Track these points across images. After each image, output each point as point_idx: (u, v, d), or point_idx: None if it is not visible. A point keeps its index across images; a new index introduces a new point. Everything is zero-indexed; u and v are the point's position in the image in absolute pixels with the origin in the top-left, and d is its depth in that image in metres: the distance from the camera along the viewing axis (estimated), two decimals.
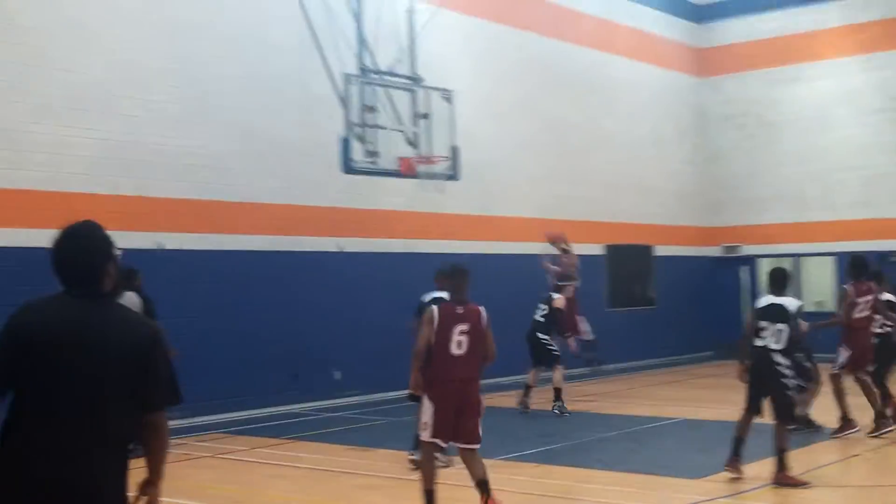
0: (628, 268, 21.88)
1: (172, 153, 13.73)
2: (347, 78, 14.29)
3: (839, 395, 11.49)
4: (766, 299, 9.47)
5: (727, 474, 9.31)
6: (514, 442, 11.77)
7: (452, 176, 15.32)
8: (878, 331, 11.77)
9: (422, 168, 14.95)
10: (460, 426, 7.62)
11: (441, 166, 15.15)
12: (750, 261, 23.79)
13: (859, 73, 22.68)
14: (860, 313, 11.37)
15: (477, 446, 7.68)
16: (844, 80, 22.84)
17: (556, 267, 15.29)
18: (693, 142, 24.27)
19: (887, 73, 22.26)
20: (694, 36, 24.46)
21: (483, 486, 7.59)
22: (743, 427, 9.31)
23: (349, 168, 14.17)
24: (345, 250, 15.79)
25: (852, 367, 11.56)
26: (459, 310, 7.63)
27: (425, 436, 7.67)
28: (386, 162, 14.62)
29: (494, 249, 18.25)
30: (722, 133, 24.43)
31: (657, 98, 23.19)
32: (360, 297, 15.72)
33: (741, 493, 8.96)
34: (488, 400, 14.73)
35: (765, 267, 23.58)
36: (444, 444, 7.82)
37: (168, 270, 12.93)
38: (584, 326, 15.43)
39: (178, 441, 12.20)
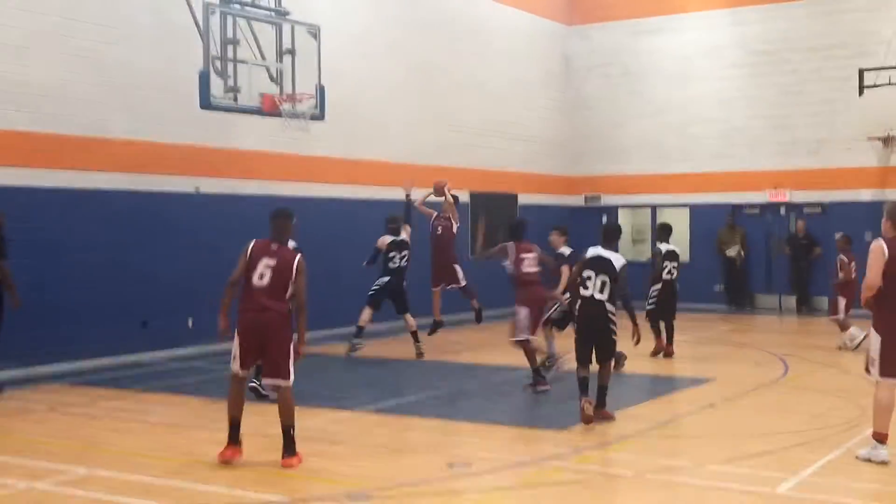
0: (493, 215, 21.67)
1: (14, 82, 12.71)
2: (208, 7, 13.47)
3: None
4: (594, 251, 9.89)
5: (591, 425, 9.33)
6: (371, 392, 11.52)
7: (317, 116, 14.73)
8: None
9: (285, 106, 14.31)
10: (265, 359, 7.95)
11: (306, 105, 14.53)
12: (610, 210, 24.04)
13: (723, 27, 23.02)
14: (529, 268, 11.80)
15: (282, 382, 7.89)
16: (708, 34, 23.16)
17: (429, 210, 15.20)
18: (559, 90, 24.24)
19: (750, 28, 22.65)
20: None
21: (286, 434, 7.85)
22: (582, 376, 9.66)
23: (208, 104, 13.40)
24: (201, 191, 15.07)
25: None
26: (273, 247, 8.00)
27: (234, 366, 7.95)
28: (247, 99, 13.91)
29: (359, 194, 17.83)
30: (587, 82, 24.48)
31: (526, 44, 23.01)
32: (217, 241, 14.99)
33: (608, 443, 8.93)
34: (343, 349, 14.54)
35: (625, 217, 24.05)
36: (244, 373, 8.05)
37: (6, 209, 11.97)
38: (459, 273, 15.25)
39: (12, 394, 11.46)
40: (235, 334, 7.95)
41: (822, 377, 13.00)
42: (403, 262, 14.54)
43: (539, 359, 11.73)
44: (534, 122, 23.19)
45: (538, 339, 11.97)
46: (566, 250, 12.96)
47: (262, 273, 7.88)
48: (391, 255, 14.47)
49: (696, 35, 23.27)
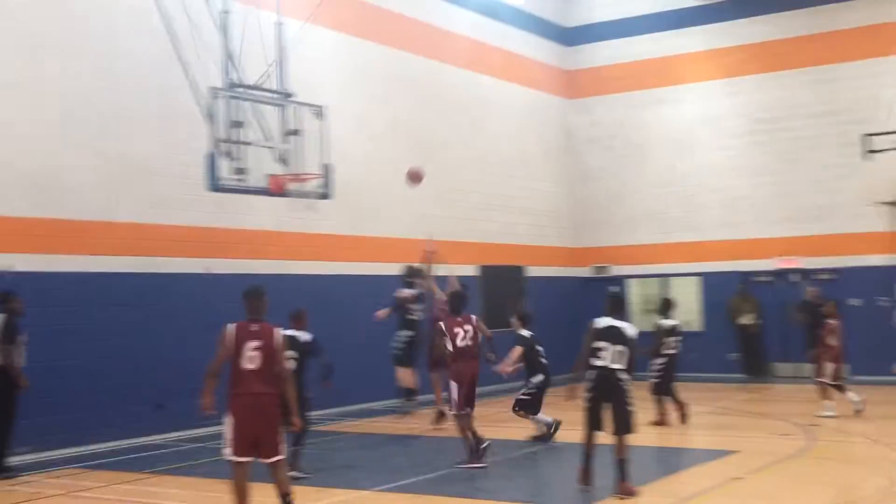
0: (501, 288, 21.72)
1: (23, 170, 12.82)
2: (213, 92, 13.63)
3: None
4: (605, 321, 9.77)
5: (613, 500, 9.15)
6: (388, 471, 11.34)
7: (324, 194, 14.81)
8: None
9: (292, 186, 14.40)
10: (264, 442, 7.94)
11: (312, 184, 14.63)
12: (619, 281, 23.98)
13: (722, 98, 23.22)
14: (462, 342, 11.59)
15: (279, 458, 8.01)
16: (707, 104, 23.36)
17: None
18: (562, 162, 24.39)
19: (748, 97, 22.84)
20: (562, 58, 24.62)
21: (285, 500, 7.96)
22: (591, 445, 9.68)
23: (216, 186, 13.48)
24: (212, 272, 15.08)
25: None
26: (254, 328, 7.97)
27: (227, 453, 7.92)
28: (254, 180, 14.00)
29: (366, 270, 17.81)
30: (590, 154, 24.63)
31: (526, 118, 23.22)
32: (228, 320, 14.93)
33: None
34: (360, 426, 14.39)
35: (634, 287, 24.00)
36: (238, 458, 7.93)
37: (19, 294, 11.97)
38: None
39: (28, 478, 11.35)
40: (230, 418, 7.93)
41: (849, 447, 12.76)
42: (422, 316, 14.44)
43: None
44: (538, 194, 23.28)
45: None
46: (525, 333, 13.07)
47: (251, 356, 7.87)
48: (411, 308, 14.31)
49: (696, 106, 23.48)
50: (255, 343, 7.88)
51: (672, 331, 14.80)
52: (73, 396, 13.00)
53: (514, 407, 12.99)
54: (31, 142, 12.97)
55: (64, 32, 13.48)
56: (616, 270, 24.20)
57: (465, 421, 11.33)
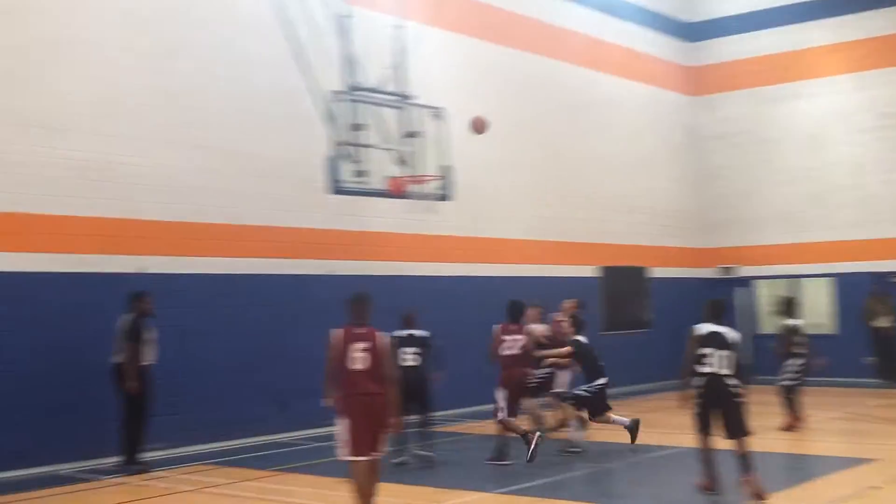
0: (623, 290, 21.40)
1: (152, 174, 13.23)
2: (334, 96, 13.82)
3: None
4: (707, 327, 9.69)
5: None
6: (509, 474, 11.26)
7: (443, 196, 14.86)
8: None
9: (412, 188, 14.48)
10: (375, 439, 8.15)
11: (431, 186, 14.69)
12: (746, 282, 23.36)
13: (852, 91, 22.38)
14: (508, 350, 11.87)
15: (377, 455, 8.20)
16: (837, 98, 22.54)
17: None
18: (686, 161, 23.89)
19: (879, 91, 21.98)
20: (686, 54, 24.12)
21: None
22: (708, 450, 9.58)
23: (337, 188, 13.68)
24: (333, 273, 15.28)
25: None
26: (359, 331, 8.23)
27: (345, 453, 8.10)
28: (375, 182, 14.14)
29: (485, 272, 17.78)
30: (716, 152, 24.06)
31: (650, 117, 22.82)
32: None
33: None
34: (474, 428, 14.32)
35: (763, 289, 23.31)
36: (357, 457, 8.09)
37: (154, 295, 12.36)
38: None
39: (160, 474, 11.71)
40: (343, 419, 8.12)
41: None
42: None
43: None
44: (661, 194, 22.86)
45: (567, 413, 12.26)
46: (581, 339, 12.52)
47: (359, 357, 8.11)
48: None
49: (825, 100, 22.68)
50: (361, 345, 8.11)
51: (796, 331, 14.35)
52: (202, 395, 13.35)
53: (568, 399, 12.53)
54: (161, 147, 13.36)
55: (193, 40, 13.86)
56: (743, 271, 23.56)
57: (508, 423, 11.63)
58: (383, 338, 8.27)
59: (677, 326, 22.05)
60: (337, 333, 8.21)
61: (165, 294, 12.77)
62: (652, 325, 21.97)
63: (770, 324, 23.19)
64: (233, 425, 13.78)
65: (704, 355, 9.48)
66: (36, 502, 10.32)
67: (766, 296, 23.14)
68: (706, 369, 9.43)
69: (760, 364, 22.75)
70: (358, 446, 8.04)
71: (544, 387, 12.89)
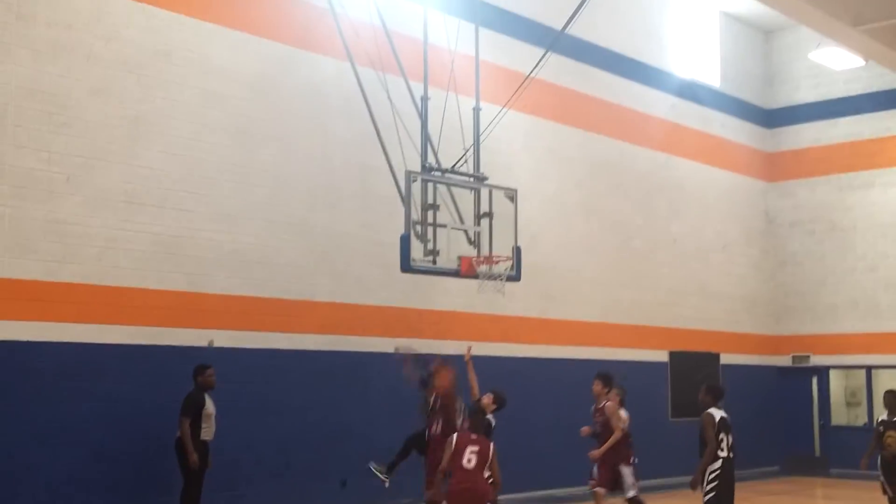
0: (693, 376, 21.05)
1: (227, 249, 13.48)
2: (410, 175, 13.99)
3: None
4: (719, 412, 10.11)
5: None
6: None
7: (513, 277, 14.84)
8: None
9: (482, 268, 14.50)
10: None
11: (502, 267, 14.69)
12: (820, 371, 22.87)
13: None
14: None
15: None
16: None
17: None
18: (761, 247, 23.62)
19: None
20: (763, 140, 24.00)
21: None
22: None
23: (408, 267, 13.76)
24: (400, 351, 15.31)
25: None
26: (473, 436, 9.81)
27: None
28: (446, 261, 14.17)
29: (554, 354, 17.67)
30: (791, 238, 23.76)
31: (724, 202, 22.67)
32: (415, 399, 15.16)
33: None
34: None
35: (835, 379, 22.78)
36: None
37: (218, 368, 12.53)
38: None
39: None
40: None
41: None
42: None
43: None
44: (735, 279, 22.60)
45: None
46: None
47: (470, 458, 9.59)
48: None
49: None
50: (473, 447, 9.66)
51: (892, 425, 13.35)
52: (270, 471, 13.38)
53: None
54: (239, 222, 13.63)
55: (274, 118, 14.18)
56: (816, 360, 23.08)
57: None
58: (490, 445, 9.75)
59: (746, 414, 21.79)
60: (454, 438, 9.84)
61: (231, 369, 12.92)
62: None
63: (846, 415, 22.73)
64: (301, 499, 13.78)
65: (721, 440, 9.83)
66: None
67: (842, 386, 22.63)
68: (723, 454, 9.77)
69: (833, 457, 22.21)
70: None
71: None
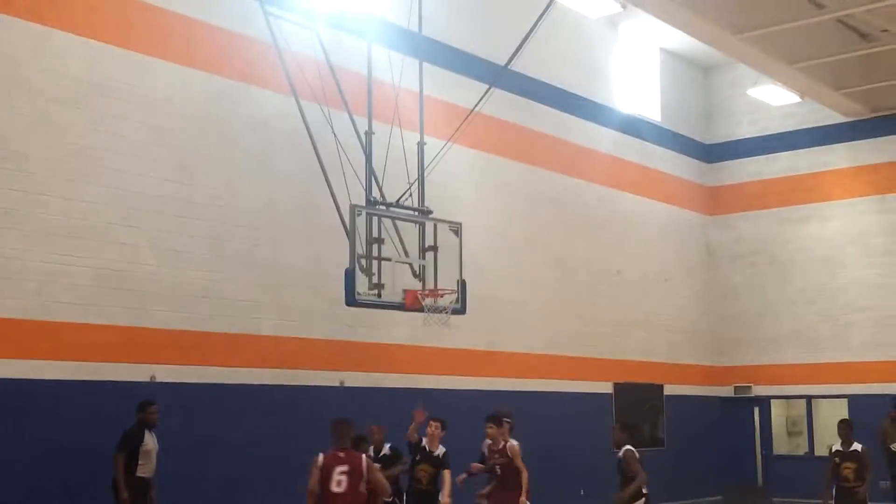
0: (637, 407, 21.28)
1: (170, 283, 13.38)
2: (354, 209, 14.04)
3: None
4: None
5: None
6: None
7: (458, 310, 14.90)
8: None
9: (427, 301, 14.56)
10: None
11: (447, 300, 14.76)
12: (762, 402, 23.20)
13: (871, 214, 22.57)
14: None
15: None
16: (855, 221, 22.70)
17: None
18: (702, 279, 23.99)
19: None
20: (703, 174, 24.44)
21: None
22: None
23: (353, 301, 13.78)
24: (346, 384, 15.30)
25: None
26: (341, 454, 8.89)
27: None
28: (391, 294, 14.21)
29: (500, 386, 17.74)
30: (732, 271, 24.17)
31: (667, 235, 23.02)
32: (361, 432, 15.14)
33: None
34: None
35: (776, 409, 23.14)
36: None
37: (161, 403, 12.40)
38: None
39: None
40: None
41: None
42: None
43: None
44: (677, 311, 22.90)
45: None
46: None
47: (339, 480, 8.72)
48: None
49: (844, 222, 22.86)
50: (341, 468, 8.77)
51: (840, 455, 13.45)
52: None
53: None
54: (182, 256, 13.56)
55: (220, 152, 14.16)
56: (758, 390, 23.42)
57: None
58: (365, 461, 8.93)
59: (690, 445, 22.04)
60: (320, 458, 8.88)
61: (174, 403, 12.80)
62: (665, 443, 21.77)
63: (787, 445, 23.05)
64: None
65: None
66: None
67: (783, 416, 22.98)
68: (645, 490, 10.37)
69: (775, 485, 22.51)
70: None
71: None
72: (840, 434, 13.69)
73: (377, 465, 11.08)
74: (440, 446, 12.08)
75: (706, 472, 22.55)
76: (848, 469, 13.21)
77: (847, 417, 14.39)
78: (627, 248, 21.63)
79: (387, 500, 11.87)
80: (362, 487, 8.83)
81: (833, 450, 13.72)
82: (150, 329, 13.11)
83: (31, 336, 11.88)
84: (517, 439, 13.15)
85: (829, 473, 13.49)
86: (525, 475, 12.16)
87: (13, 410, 11.63)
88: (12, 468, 11.51)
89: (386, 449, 12.27)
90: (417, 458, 12.15)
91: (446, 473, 12.04)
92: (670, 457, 21.46)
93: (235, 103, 14.51)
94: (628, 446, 10.11)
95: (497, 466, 12.32)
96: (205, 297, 13.75)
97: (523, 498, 12.08)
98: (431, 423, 12.09)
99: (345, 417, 9.24)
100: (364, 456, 9.06)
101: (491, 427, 12.43)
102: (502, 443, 12.33)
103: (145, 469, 11.87)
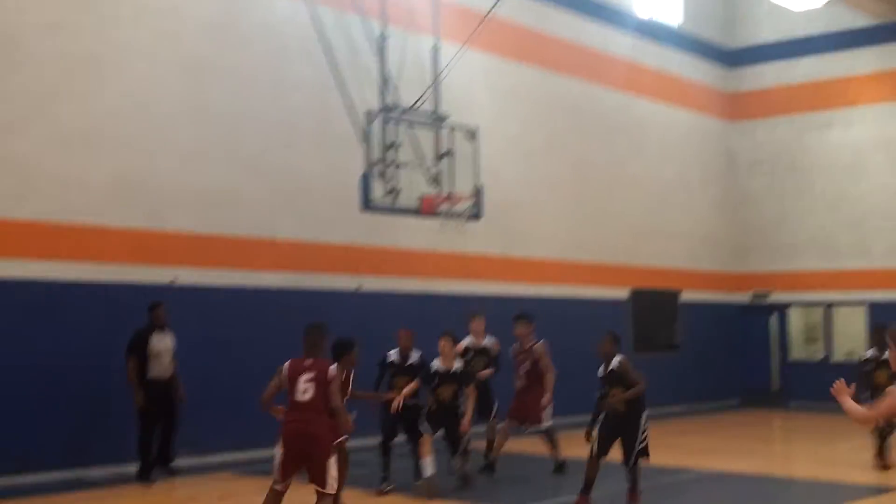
0: (653, 313, 21.42)
1: (187, 188, 13.53)
2: (369, 115, 14.08)
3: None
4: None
5: None
6: (529, 490, 11.45)
7: (474, 215, 15.04)
8: None
9: (443, 207, 14.68)
10: (310, 469, 8.09)
11: (463, 205, 14.87)
12: (780, 308, 23.29)
13: (893, 120, 22.25)
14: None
15: (325, 490, 8.00)
16: (880, 127, 22.40)
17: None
18: (721, 186, 23.88)
19: None
20: (724, 80, 24.14)
21: None
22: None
23: (369, 206, 13.92)
24: (363, 289, 15.50)
25: None
26: (307, 362, 8.17)
27: (274, 476, 8.12)
28: (407, 200, 14.36)
29: (516, 292, 17.89)
30: (751, 178, 24.01)
31: (685, 141, 22.87)
32: (378, 336, 15.33)
33: None
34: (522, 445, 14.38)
35: (795, 315, 23.24)
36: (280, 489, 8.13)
37: (180, 306, 12.66)
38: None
39: (186, 481, 11.94)
40: (278, 445, 8.20)
41: None
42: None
43: None
44: (696, 218, 22.87)
45: None
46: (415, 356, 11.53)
47: (305, 388, 8.06)
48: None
49: (867, 128, 22.54)
50: (307, 375, 8.10)
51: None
52: (232, 406, 13.55)
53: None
54: (198, 161, 13.67)
55: (231, 58, 14.15)
56: (776, 297, 23.48)
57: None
58: (332, 370, 8.14)
59: (706, 350, 22.22)
60: (285, 365, 8.27)
61: (193, 306, 13.04)
62: (680, 348, 21.96)
63: (805, 351, 23.20)
64: (260, 435, 13.95)
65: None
66: None
67: (802, 322, 23.10)
68: None
69: (791, 390, 22.74)
70: (284, 472, 8.10)
71: None
72: (874, 341, 13.47)
73: (409, 380, 11.09)
74: (456, 361, 11.34)
75: (722, 378, 22.77)
76: (881, 376, 12.71)
77: (885, 323, 14.06)
78: (645, 153, 21.52)
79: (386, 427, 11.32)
80: (335, 399, 8.07)
81: (865, 357, 13.45)
82: (168, 233, 13.31)
83: (52, 238, 12.11)
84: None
85: (861, 381, 13.05)
86: (550, 375, 12.40)
87: (38, 311, 11.92)
88: (37, 368, 11.83)
89: (414, 357, 11.41)
90: (436, 382, 11.23)
91: (469, 391, 11.33)
92: (686, 363, 21.67)
93: (247, 8, 14.45)
94: (620, 356, 10.00)
95: (523, 364, 12.51)
96: (221, 201, 13.89)
97: (549, 395, 12.38)
98: (440, 340, 11.19)
99: (319, 322, 8.56)
100: (333, 365, 8.21)
101: (521, 326, 12.59)
102: (530, 342, 12.53)
103: (157, 370, 12.08)
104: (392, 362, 11.46)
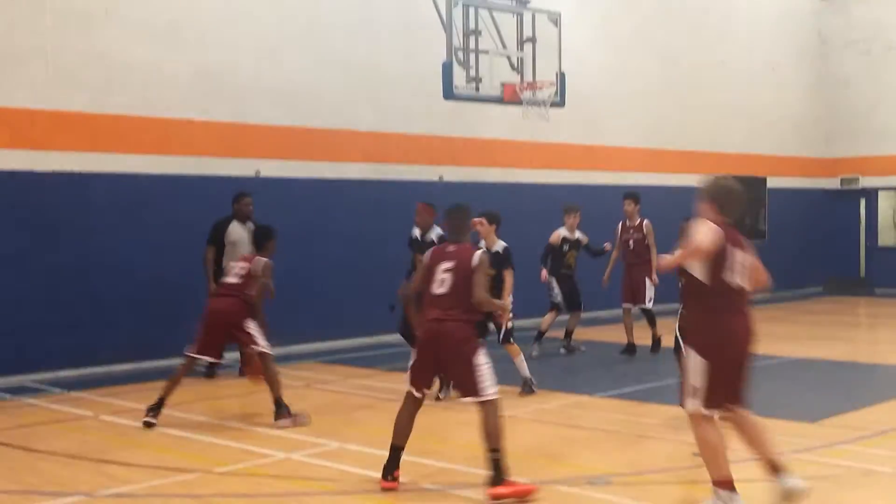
0: None
1: (270, 80, 13.50)
2: (450, 1, 13.76)
3: None
4: None
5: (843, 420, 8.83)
6: (609, 378, 11.57)
7: (558, 103, 14.75)
8: None
9: (526, 94, 14.41)
10: (451, 376, 7.32)
11: (546, 93, 14.58)
12: (869, 193, 22.67)
13: None
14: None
15: (475, 399, 6.70)
16: None
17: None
18: (813, 68, 23.05)
19: None
20: None
21: (494, 464, 6.60)
22: None
23: (451, 95, 13.71)
24: (444, 180, 15.42)
25: None
26: (450, 248, 7.06)
27: (406, 380, 7.03)
28: (488, 88, 14.12)
29: (599, 180, 17.67)
30: (844, 59, 23.10)
31: (775, 22, 22.03)
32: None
33: (861, 438, 8.42)
34: (589, 334, 14.45)
35: (883, 201, 22.57)
36: (418, 394, 6.95)
37: (264, 197, 12.73)
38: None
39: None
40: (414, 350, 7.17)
41: None
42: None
43: None
44: (784, 102, 22.18)
45: None
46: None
47: (443, 279, 6.90)
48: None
49: None
50: (447, 264, 6.93)
51: None
52: (315, 296, 13.77)
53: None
54: (280, 54, 13.60)
55: None
56: (865, 182, 22.82)
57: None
58: (477, 257, 6.94)
59: (792, 237, 21.80)
60: (428, 253, 7.22)
61: (276, 197, 13.11)
62: (766, 235, 21.58)
63: (894, 236, 22.63)
64: (343, 326, 14.20)
65: None
66: (145, 393, 10.85)
67: (891, 207, 22.49)
68: None
69: (878, 277, 22.31)
70: (417, 378, 6.97)
71: None
72: None
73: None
74: (498, 241, 10.39)
75: (808, 264, 22.39)
76: None
77: None
78: (732, 36, 20.81)
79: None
80: (478, 292, 6.85)
81: None
82: (252, 126, 13.34)
83: (137, 131, 12.21)
84: (612, 233, 13.40)
85: None
86: (655, 251, 12.82)
87: (124, 205, 12.10)
88: (131, 261, 12.09)
89: (433, 234, 10.65)
90: None
91: (507, 274, 10.21)
92: (772, 249, 21.15)
93: None
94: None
95: (630, 241, 13.36)
96: (303, 93, 13.85)
97: (655, 276, 12.97)
98: (475, 221, 9.47)
99: (461, 204, 7.45)
100: (479, 252, 7.01)
101: (630, 203, 13.47)
102: (638, 219, 13.38)
103: (233, 259, 12.07)
104: (415, 238, 11.03)
